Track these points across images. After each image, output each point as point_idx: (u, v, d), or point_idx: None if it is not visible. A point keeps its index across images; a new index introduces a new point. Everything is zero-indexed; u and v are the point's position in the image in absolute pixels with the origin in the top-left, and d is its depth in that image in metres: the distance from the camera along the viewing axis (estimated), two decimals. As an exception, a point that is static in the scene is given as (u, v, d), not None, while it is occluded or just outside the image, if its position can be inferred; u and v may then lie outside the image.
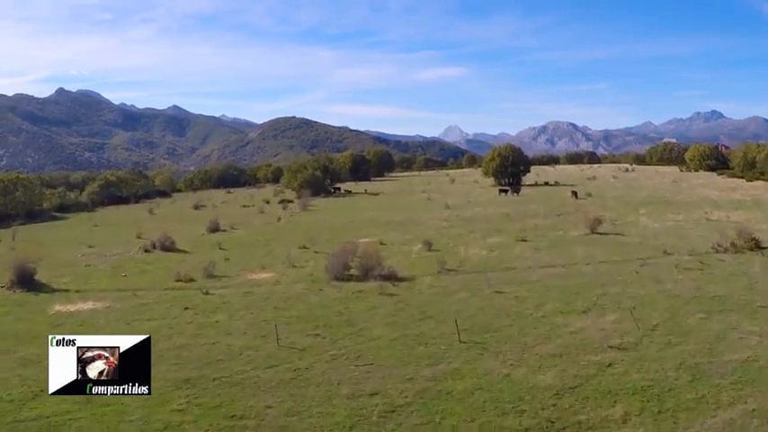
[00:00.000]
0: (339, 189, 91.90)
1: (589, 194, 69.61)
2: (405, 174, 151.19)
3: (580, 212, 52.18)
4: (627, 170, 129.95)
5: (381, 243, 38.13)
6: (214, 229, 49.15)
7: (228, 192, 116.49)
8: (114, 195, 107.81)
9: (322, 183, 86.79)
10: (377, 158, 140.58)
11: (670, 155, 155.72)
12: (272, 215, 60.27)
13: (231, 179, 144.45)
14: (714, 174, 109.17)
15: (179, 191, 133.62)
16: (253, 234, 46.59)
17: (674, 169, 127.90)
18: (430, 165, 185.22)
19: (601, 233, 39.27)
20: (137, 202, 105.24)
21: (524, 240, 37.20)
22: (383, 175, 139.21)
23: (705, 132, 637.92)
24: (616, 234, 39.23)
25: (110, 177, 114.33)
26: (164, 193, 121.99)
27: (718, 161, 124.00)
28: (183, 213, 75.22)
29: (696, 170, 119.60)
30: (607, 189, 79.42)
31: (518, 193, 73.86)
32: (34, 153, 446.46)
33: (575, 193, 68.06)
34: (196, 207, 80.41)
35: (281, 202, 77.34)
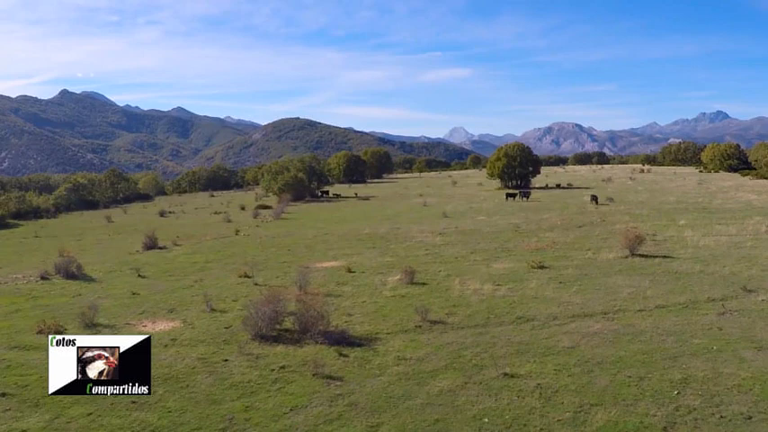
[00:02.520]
0: (327, 193, 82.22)
1: (610, 199, 59.73)
2: (404, 176, 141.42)
3: (607, 223, 42.40)
4: (642, 171, 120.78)
5: (349, 270, 28.26)
6: (150, 245, 39.45)
7: (212, 195, 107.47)
8: (84, 200, 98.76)
9: (306, 186, 77.01)
10: (374, 159, 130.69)
11: (684, 155, 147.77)
12: (236, 226, 50.56)
13: (221, 181, 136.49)
14: (738, 175, 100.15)
15: (165, 194, 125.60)
16: (193, 254, 36.78)
17: (691, 170, 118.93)
18: (433, 166, 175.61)
19: (642, 255, 29.36)
20: (107, 206, 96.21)
21: (542, 267, 27.25)
22: (381, 177, 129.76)
23: (710, 133, 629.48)
24: (663, 257, 29.22)
25: (80, 180, 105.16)
26: (146, 197, 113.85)
27: (740, 161, 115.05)
28: (142, 222, 65.65)
29: (716, 171, 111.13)
30: (628, 193, 69.44)
31: (528, 197, 63.80)
32: (36, 155, 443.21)
33: (594, 199, 58.13)
34: (162, 214, 70.95)
35: (258, 207, 67.81)
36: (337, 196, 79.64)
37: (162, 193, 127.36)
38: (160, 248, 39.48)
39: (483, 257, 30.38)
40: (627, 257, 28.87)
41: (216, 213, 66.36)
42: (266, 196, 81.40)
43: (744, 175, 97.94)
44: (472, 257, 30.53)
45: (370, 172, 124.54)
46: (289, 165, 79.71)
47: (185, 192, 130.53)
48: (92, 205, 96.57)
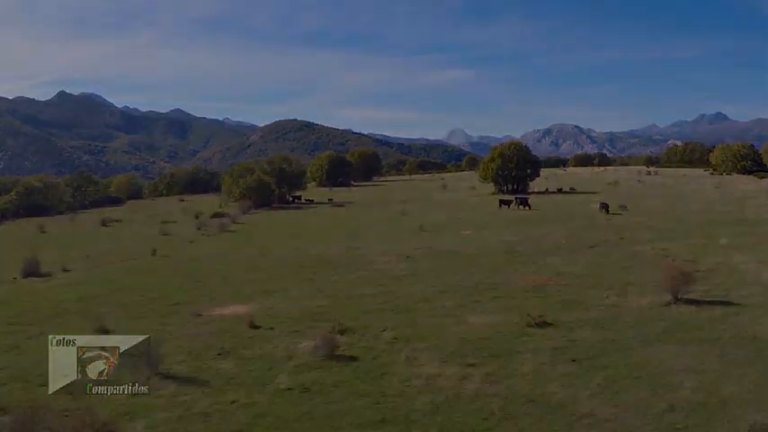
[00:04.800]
0: (299, 198, 72.91)
1: (623, 207, 50.23)
2: (394, 178, 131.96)
3: (627, 242, 33.01)
4: (649, 173, 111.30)
5: (252, 325, 18.82)
6: (31, 272, 30.05)
7: (181, 200, 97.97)
8: (37, 205, 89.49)
9: (273, 190, 67.61)
10: (361, 160, 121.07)
11: (691, 156, 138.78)
12: (168, 240, 41.30)
13: (201, 183, 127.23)
14: (753, 177, 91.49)
15: (142, 197, 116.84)
16: (75, 285, 27.22)
17: (701, 172, 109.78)
18: (427, 167, 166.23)
19: (691, 300, 19.90)
20: (62, 213, 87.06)
21: (543, 324, 17.70)
22: (370, 180, 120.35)
23: (710, 134, 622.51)
24: (723, 303, 19.72)
25: (34, 183, 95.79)
26: (117, 201, 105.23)
27: (754, 163, 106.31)
28: (78, 233, 56.42)
29: (728, 173, 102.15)
30: (641, 199, 59.88)
31: (526, 206, 54.08)
32: (32, 156, 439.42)
33: (605, 207, 48.69)
34: (104, 223, 61.53)
35: (214, 216, 58.60)
36: (310, 202, 70.36)
37: (138, 196, 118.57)
38: (42, 275, 30.12)
39: (456, 302, 20.85)
40: (669, 305, 19.43)
41: (164, 222, 57.05)
42: (233, 201, 72.27)
43: (760, 178, 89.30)
44: (440, 302, 21.00)
45: (357, 174, 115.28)
46: (254, 166, 70.22)
47: (162, 195, 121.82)
48: (45, 211, 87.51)
